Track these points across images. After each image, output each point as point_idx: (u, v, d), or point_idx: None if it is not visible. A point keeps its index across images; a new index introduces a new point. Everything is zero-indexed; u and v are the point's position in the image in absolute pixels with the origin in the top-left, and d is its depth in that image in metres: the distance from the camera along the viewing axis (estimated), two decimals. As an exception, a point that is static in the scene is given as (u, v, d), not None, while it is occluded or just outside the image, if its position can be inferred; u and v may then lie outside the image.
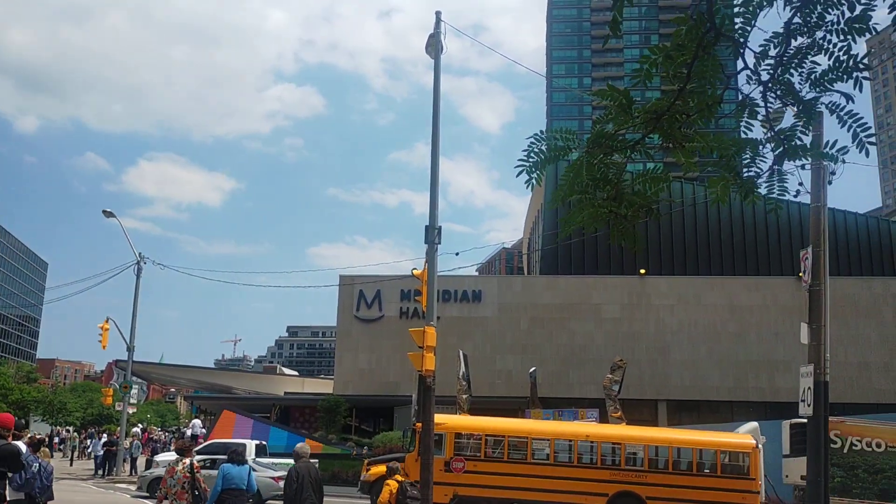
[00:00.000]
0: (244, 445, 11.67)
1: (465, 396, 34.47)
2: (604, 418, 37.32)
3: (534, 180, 5.47)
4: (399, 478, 11.13)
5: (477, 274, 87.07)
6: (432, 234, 13.89)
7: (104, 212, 35.90)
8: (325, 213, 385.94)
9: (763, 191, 5.43)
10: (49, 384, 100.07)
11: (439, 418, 22.93)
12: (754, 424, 26.23)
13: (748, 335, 42.67)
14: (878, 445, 12.19)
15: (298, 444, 11.35)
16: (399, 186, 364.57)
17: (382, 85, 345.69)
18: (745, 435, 22.66)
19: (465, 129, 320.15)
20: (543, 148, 5.30)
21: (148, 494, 22.05)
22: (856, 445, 24.60)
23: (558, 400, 41.22)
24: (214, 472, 10.82)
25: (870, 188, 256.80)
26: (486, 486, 21.25)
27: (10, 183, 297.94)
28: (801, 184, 12.50)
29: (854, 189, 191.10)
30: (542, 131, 5.57)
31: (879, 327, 42.16)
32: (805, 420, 25.54)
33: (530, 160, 5.35)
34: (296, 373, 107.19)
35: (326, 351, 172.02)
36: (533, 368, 39.07)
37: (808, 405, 11.62)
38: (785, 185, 5.24)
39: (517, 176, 5.40)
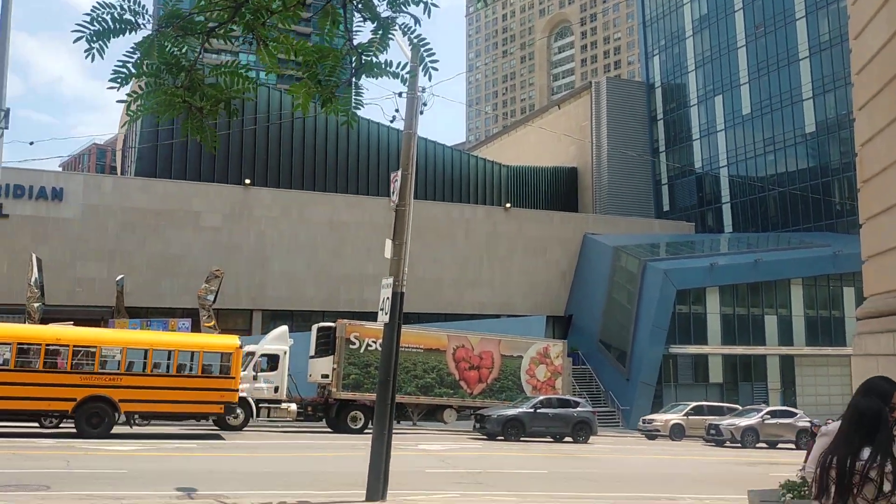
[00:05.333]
0: None
1: (36, 305, 31.02)
2: (196, 328, 36.71)
3: (95, 51, 4.72)
4: None
5: (60, 170, 77.56)
6: (-4, 115, 11.68)
7: None
8: None
9: (341, 102, 5.45)
10: None
11: None
12: (284, 328, 28.49)
13: (345, 250, 45.23)
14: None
15: None
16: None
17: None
18: (231, 336, 24.30)
19: (55, 3, 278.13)
20: (108, 17, 4.58)
21: None
22: (371, 346, 28.29)
23: (149, 310, 39.31)
24: None
25: (457, 124, 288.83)
26: None
27: None
28: (396, 110, 13.21)
29: (445, 124, 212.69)
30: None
31: (452, 248, 48.00)
32: (330, 324, 28.94)
33: (93, 27, 4.59)
34: None
35: None
36: (121, 276, 36.47)
37: (386, 313, 12.56)
38: (360, 97, 5.33)
39: (74, 42, 4.62)
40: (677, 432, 31.91)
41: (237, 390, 22.30)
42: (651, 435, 32.33)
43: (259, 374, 26.13)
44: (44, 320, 29.58)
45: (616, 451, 25.79)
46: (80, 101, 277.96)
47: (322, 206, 45.71)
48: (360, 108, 5.57)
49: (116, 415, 20.61)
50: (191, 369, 21.78)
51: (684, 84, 62.19)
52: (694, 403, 34.01)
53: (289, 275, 44.13)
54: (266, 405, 26.08)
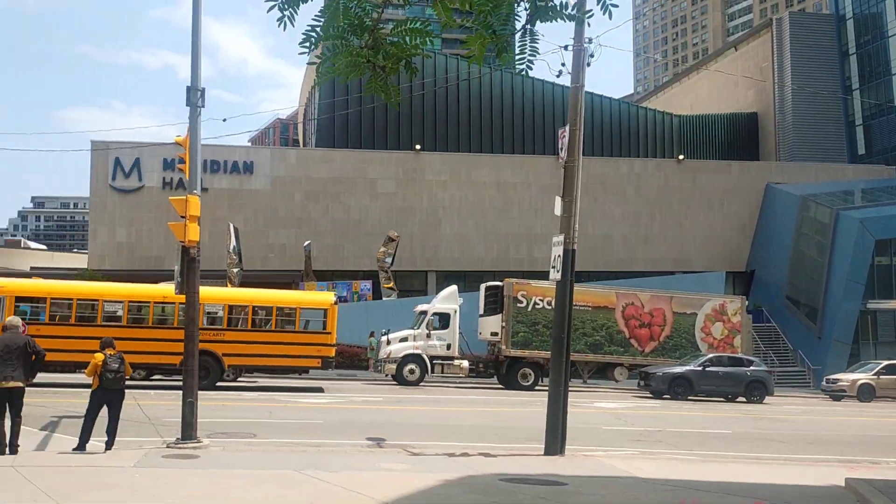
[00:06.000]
0: None
1: (235, 270, 33.74)
2: (376, 289, 38.57)
3: (286, 19, 5.03)
4: (110, 351, 10.85)
5: (249, 145, 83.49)
6: (195, 96, 12.72)
7: None
8: (73, 73, 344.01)
9: (516, 51, 5.44)
10: None
11: None
12: (453, 288, 28.84)
13: (512, 210, 45.46)
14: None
15: (10, 317, 11.41)
16: (161, 46, 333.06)
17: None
18: (327, 293, 24.35)
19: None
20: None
21: None
22: (538, 304, 28.04)
23: (333, 273, 41.71)
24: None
25: (625, 76, 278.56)
26: (52, 350, 20.61)
27: None
28: (563, 64, 13.02)
29: (612, 77, 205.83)
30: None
31: (622, 204, 46.78)
32: (498, 284, 28.98)
33: (283, -6, 4.89)
34: (44, 247, 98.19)
35: (79, 224, 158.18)
36: (307, 242, 38.93)
37: (558, 271, 12.54)
38: (536, 45, 5.29)
39: (268, 11, 4.96)
40: (866, 393, 29.45)
41: (334, 345, 22.98)
42: (836, 395, 30.11)
43: (432, 332, 27.05)
44: (242, 284, 32.25)
45: (798, 412, 24.35)
46: (263, 78, 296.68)
47: (489, 168, 46.08)
48: (535, 56, 5.53)
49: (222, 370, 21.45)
50: (289, 324, 22.57)
51: (880, 13, 55.93)
52: (886, 362, 31.20)
53: (460, 236, 45.08)
54: (439, 362, 27.02)
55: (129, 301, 21.75)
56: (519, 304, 28.21)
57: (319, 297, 23.88)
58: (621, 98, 67.80)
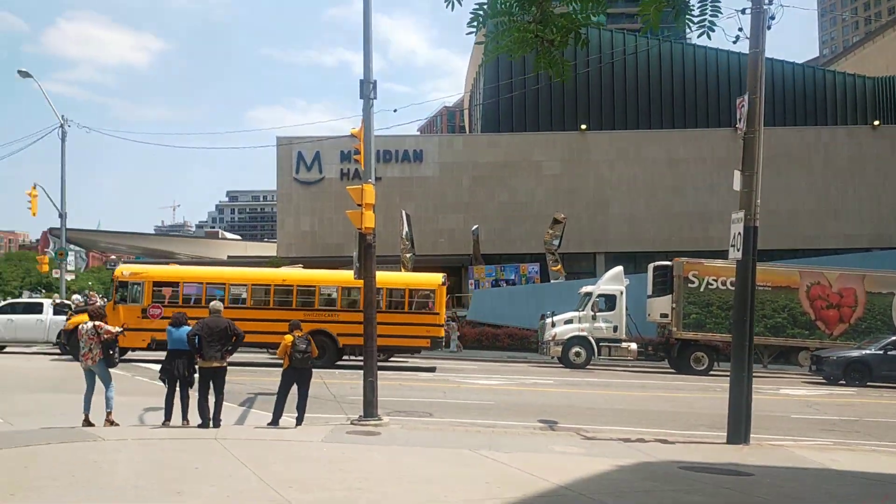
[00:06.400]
0: (183, 314, 11.79)
1: (408, 255, 34.89)
2: (544, 272, 38.45)
3: (454, 0, 5.06)
4: (298, 333, 11.53)
5: (418, 134, 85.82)
6: (367, 89, 13.25)
7: (19, 72, 33.61)
8: (260, 74, 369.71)
9: (696, 12, 5.14)
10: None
11: (137, 268, 24.85)
12: (619, 269, 27.72)
13: (685, 188, 43.60)
14: (733, 284, 12.87)
15: (213, 301, 12.40)
16: (336, 45, 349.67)
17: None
18: (435, 274, 23.85)
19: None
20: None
21: (64, 342, 22.35)
22: (711, 284, 26.35)
23: (500, 256, 42.10)
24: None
25: (808, 38, 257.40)
26: None
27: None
28: (740, 29, 12.26)
29: (792, 40, 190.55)
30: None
31: (809, 176, 43.46)
32: (666, 263, 27.52)
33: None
34: (238, 237, 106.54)
35: (269, 215, 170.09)
36: (475, 226, 39.50)
37: (738, 250, 11.86)
38: (718, 4, 4.97)
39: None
40: None
41: (443, 325, 23.25)
42: None
43: (597, 314, 26.55)
44: (415, 269, 33.32)
45: None
46: (430, 69, 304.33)
47: (658, 144, 44.42)
48: (717, 16, 5.22)
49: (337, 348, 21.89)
50: (399, 305, 22.81)
51: None
52: None
53: (628, 216, 43.88)
54: (606, 344, 26.47)
55: (253, 285, 23.15)
56: (690, 285, 26.99)
57: (428, 278, 23.82)
58: (805, 62, 62.78)
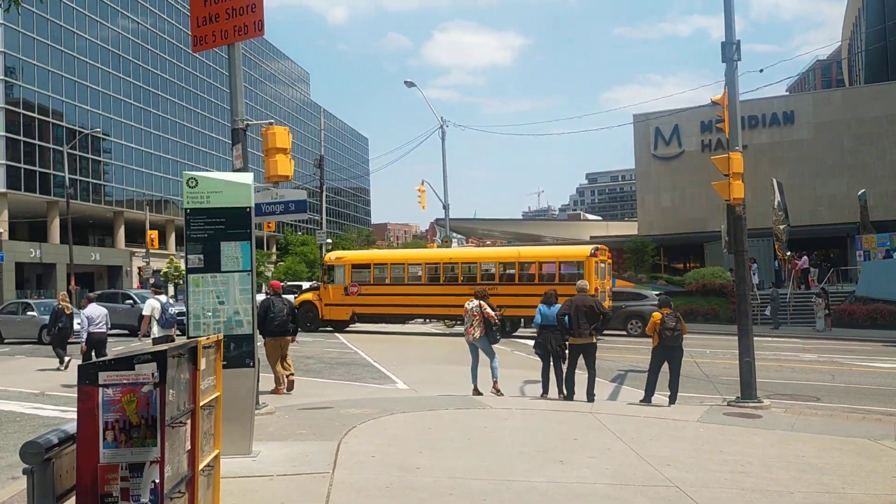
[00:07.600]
0: (554, 291, 12.46)
1: (782, 227, 32.18)
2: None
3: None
4: (666, 311, 11.23)
5: (787, 94, 78.33)
6: (730, 50, 12.47)
7: (405, 82, 38.55)
8: (613, 55, 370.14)
9: None
10: (384, 245, 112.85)
11: (340, 253, 29.00)
12: None
13: None
14: None
15: (580, 281, 12.87)
16: (692, 12, 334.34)
17: None
18: (583, 247, 24.59)
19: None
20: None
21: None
22: None
23: (894, 223, 36.70)
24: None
25: None
26: (375, 305, 26.18)
27: (329, 71, 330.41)
28: None
29: None
30: None
31: None
32: None
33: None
34: (599, 217, 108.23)
35: (627, 194, 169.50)
36: (862, 190, 34.92)
37: None
38: None
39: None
40: None
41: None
42: None
43: None
44: (789, 241, 30.63)
45: None
46: (798, 21, 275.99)
47: None
48: None
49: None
50: (550, 277, 23.97)
51: None
52: None
53: None
54: None
55: (426, 263, 26.32)
56: None
57: (577, 250, 24.65)
58: None
